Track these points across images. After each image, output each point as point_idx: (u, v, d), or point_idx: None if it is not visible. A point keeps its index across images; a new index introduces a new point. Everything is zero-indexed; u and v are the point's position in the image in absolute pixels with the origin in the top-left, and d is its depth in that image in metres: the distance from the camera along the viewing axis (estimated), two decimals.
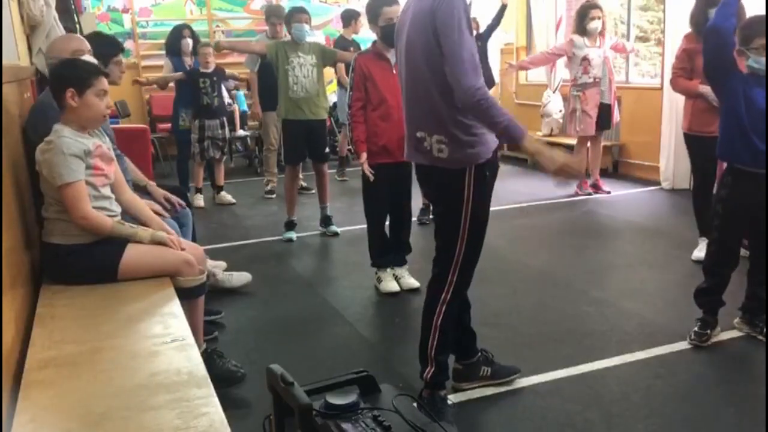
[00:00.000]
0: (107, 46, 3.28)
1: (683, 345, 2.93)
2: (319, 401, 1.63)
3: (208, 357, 2.59)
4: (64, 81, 2.36)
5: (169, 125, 6.45)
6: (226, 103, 6.34)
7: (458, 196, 2.27)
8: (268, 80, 5.37)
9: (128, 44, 7.95)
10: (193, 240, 3.18)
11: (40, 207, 2.46)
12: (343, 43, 6.29)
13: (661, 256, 4.23)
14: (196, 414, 1.48)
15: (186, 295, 2.42)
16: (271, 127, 6.17)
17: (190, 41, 5.96)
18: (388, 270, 3.79)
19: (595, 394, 2.57)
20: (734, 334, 3.03)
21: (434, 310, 2.40)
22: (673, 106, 5.74)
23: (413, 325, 2.87)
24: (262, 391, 1.77)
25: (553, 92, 7.45)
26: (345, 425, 1.58)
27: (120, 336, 1.99)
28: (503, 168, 2.36)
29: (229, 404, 1.96)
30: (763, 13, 2.75)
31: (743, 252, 3.06)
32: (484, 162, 2.27)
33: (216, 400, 1.54)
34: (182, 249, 2.49)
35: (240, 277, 3.84)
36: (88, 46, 2.95)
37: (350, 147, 5.30)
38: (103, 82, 2.43)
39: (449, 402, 2.47)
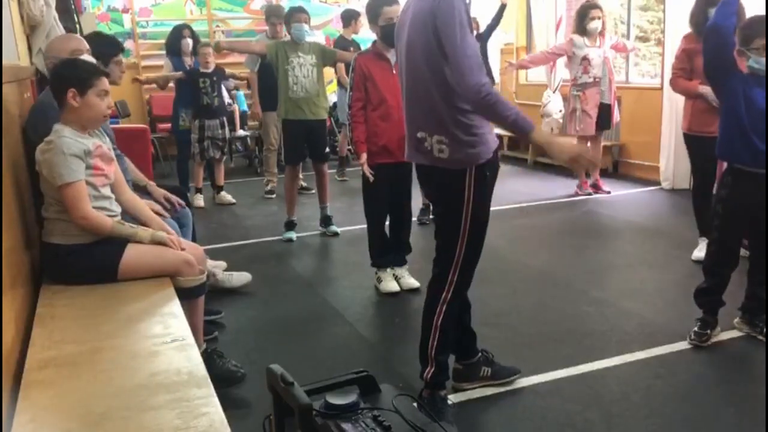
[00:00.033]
0: (107, 46, 3.28)
1: (683, 345, 2.93)
2: (319, 401, 1.63)
3: (208, 357, 2.59)
4: (65, 81, 2.36)
5: (169, 125, 6.45)
6: (226, 103, 6.34)
7: (459, 196, 2.27)
8: (268, 80, 5.37)
9: (128, 44, 7.95)
10: (193, 240, 3.18)
11: (40, 207, 2.46)
12: (343, 43, 6.29)
13: (661, 256, 4.23)
14: (196, 414, 1.48)
15: (186, 295, 2.42)
16: (271, 127, 6.17)
17: (190, 41, 5.96)
18: (388, 270, 3.79)
19: (595, 394, 2.57)
20: (734, 334, 3.03)
21: (434, 310, 2.40)
22: (673, 106, 5.74)
23: (413, 325, 2.87)
24: (262, 391, 1.77)
25: (553, 92, 7.44)
26: (345, 425, 1.58)
27: (120, 336, 1.99)
28: (503, 168, 2.36)
29: (229, 404, 1.95)
30: (763, 13, 2.75)
31: (743, 252, 3.06)
32: (484, 162, 2.27)
33: (216, 400, 1.54)
34: (182, 249, 2.49)
35: (240, 277, 3.84)
36: (86, 45, 2.95)
37: (350, 147, 5.30)
38: (105, 83, 2.43)
39: (449, 402, 2.47)
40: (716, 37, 2.76)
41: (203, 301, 2.62)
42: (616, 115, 6.00)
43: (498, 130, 2.67)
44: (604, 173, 6.50)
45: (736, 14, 2.78)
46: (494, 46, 7.43)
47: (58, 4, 3.75)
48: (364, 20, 5.05)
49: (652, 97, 6.23)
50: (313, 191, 5.45)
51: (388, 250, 3.80)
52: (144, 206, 2.69)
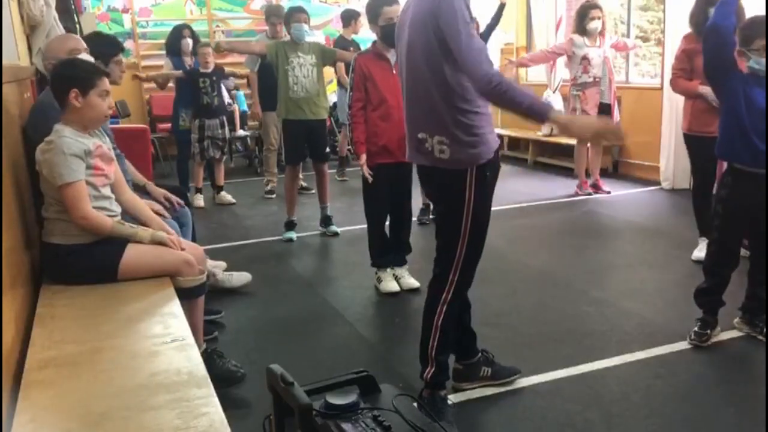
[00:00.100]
0: (107, 46, 3.28)
1: (683, 345, 2.93)
2: (319, 401, 1.63)
3: (208, 357, 2.59)
4: (67, 81, 2.36)
5: (169, 125, 6.45)
6: (226, 103, 6.34)
7: (459, 196, 2.27)
8: (268, 80, 5.37)
9: (128, 44, 7.94)
10: (193, 240, 3.18)
11: (40, 207, 2.46)
12: (342, 43, 6.29)
13: (661, 256, 4.23)
14: (196, 414, 1.48)
15: (186, 295, 2.42)
16: (271, 127, 6.17)
17: (190, 41, 5.96)
18: (388, 270, 3.79)
19: (595, 394, 2.56)
20: (734, 334, 3.03)
21: (435, 310, 2.39)
22: (673, 106, 5.74)
23: (413, 325, 2.87)
24: (262, 391, 1.77)
25: (553, 92, 7.44)
26: (345, 425, 1.58)
27: (120, 336, 1.99)
28: (503, 168, 2.36)
29: (229, 404, 1.95)
30: (763, 13, 2.75)
31: (743, 252, 3.06)
32: (485, 162, 2.26)
33: (216, 400, 1.54)
34: (182, 249, 2.50)
35: (240, 277, 3.84)
36: (84, 44, 2.95)
37: (350, 147, 5.30)
38: (106, 83, 2.44)
39: (449, 402, 2.47)
40: (716, 37, 2.76)
41: (203, 301, 2.62)
42: (616, 115, 5.99)
43: (499, 130, 2.67)
44: (604, 173, 6.50)
45: (735, 14, 2.78)
46: (494, 46, 7.42)
47: (58, 4, 3.75)
48: (364, 20, 5.05)
49: (652, 97, 6.23)
50: (313, 191, 5.45)
51: (388, 250, 3.80)
52: (144, 206, 2.69)
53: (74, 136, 2.33)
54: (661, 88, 6.02)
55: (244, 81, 7.05)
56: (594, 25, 5.54)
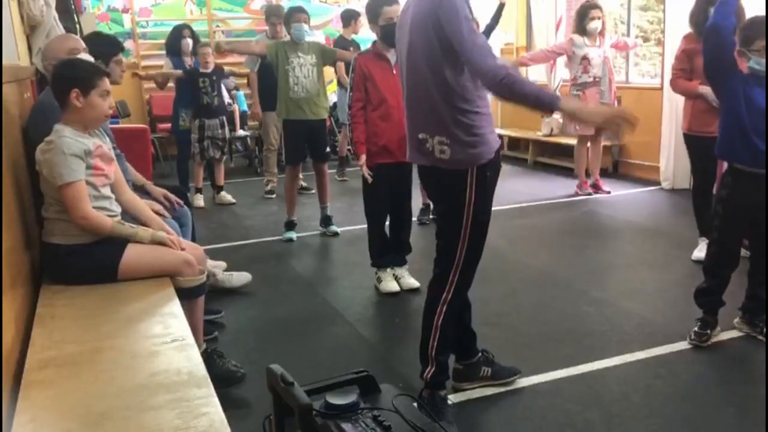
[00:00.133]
0: (107, 46, 3.28)
1: (683, 345, 2.93)
2: (319, 401, 1.63)
3: (208, 357, 2.59)
4: (68, 82, 2.35)
5: (169, 125, 6.45)
6: (226, 103, 6.34)
7: (460, 197, 2.27)
8: (268, 80, 5.36)
9: (128, 44, 7.94)
10: (193, 240, 3.18)
11: (40, 207, 2.46)
12: (342, 43, 6.29)
13: (661, 256, 4.23)
14: (196, 414, 1.48)
15: (186, 295, 2.42)
16: (271, 127, 6.17)
17: (190, 41, 5.96)
18: (388, 270, 3.79)
19: (595, 394, 2.57)
20: (734, 334, 3.03)
21: (435, 310, 2.39)
22: (673, 106, 5.74)
23: (413, 325, 2.87)
24: (262, 391, 1.77)
25: (553, 92, 7.45)
26: (345, 425, 1.58)
27: (120, 336, 1.99)
28: (503, 168, 2.36)
29: (229, 404, 1.96)
30: (763, 13, 2.75)
31: (744, 252, 3.06)
32: (486, 162, 2.26)
33: (216, 400, 1.54)
34: (182, 249, 2.50)
35: (240, 277, 3.84)
36: (83, 44, 2.95)
37: (350, 147, 5.30)
38: (107, 83, 2.44)
39: (449, 402, 2.47)
40: (715, 37, 2.76)
41: (203, 301, 2.62)
42: None
43: (499, 130, 2.67)
44: (604, 173, 6.50)
45: (734, 13, 2.78)
46: (494, 46, 7.42)
47: (58, 4, 3.76)
48: (364, 20, 5.05)
49: (652, 97, 6.23)
50: (313, 191, 5.45)
51: (388, 250, 3.80)
52: (144, 206, 2.69)
53: (74, 136, 2.33)
54: (661, 88, 6.02)
55: (245, 80, 7.04)
56: (594, 25, 5.54)
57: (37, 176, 2.39)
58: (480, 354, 2.63)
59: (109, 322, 2.08)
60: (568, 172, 6.72)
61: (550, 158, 7.48)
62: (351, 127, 3.68)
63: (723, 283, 2.94)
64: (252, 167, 7.90)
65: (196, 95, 5.74)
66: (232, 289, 3.79)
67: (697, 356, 2.86)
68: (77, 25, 4.59)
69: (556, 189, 6.23)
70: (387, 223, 3.84)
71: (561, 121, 7.31)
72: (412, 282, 3.76)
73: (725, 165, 2.99)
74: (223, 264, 3.97)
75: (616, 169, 6.88)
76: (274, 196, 6.24)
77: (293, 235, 4.84)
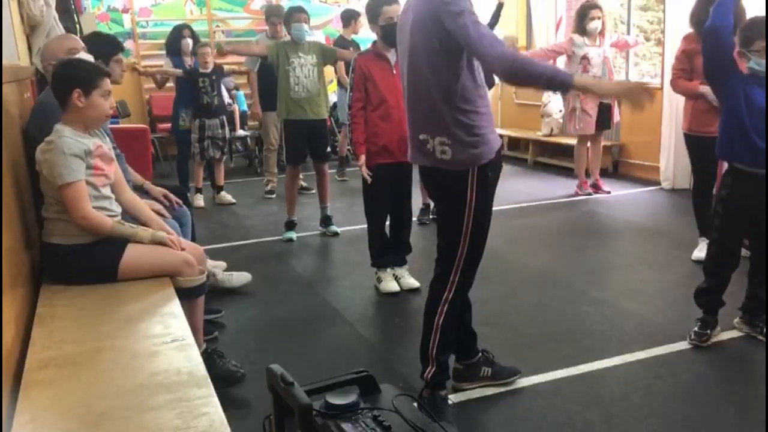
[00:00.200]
0: (107, 46, 3.27)
1: (683, 345, 2.93)
2: (319, 401, 1.63)
3: (208, 357, 2.59)
4: (70, 82, 2.35)
5: (169, 125, 6.44)
6: (225, 103, 6.34)
7: (461, 197, 2.27)
8: (268, 80, 5.37)
9: (128, 44, 7.94)
10: (193, 240, 3.18)
11: (40, 207, 2.46)
12: (342, 43, 6.28)
13: (661, 256, 4.23)
14: (196, 414, 1.48)
15: (186, 295, 2.42)
16: (271, 127, 6.17)
17: (190, 41, 5.96)
18: (388, 270, 3.79)
19: (595, 394, 2.57)
20: (734, 334, 3.03)
21: (436, 310, 2.40)
22: (673, 106, 5.74)
23: (413, 325, 2.87)
24: (262, 391, 1.77)
25: (553, 92, 7.44)
26: (345, 425, 1.58)
27: (120, 336, 1.99)
28: (503, 168, 2.36)
29: (229, 404, 1.95)
30: (763, 13, 2.75)
31: (744, 252, 3.06)
32: (487, 162, 2.26)
33: (216, 400, 1.54)
34: (182, 249, 2.50)
35: (240, 277, 3.84)
36: (81, 43, 2.95)
37: (350, 147, 5.30)
38: (108, 83, 2.44)
39: (449, 402, 2.47)
40: (714, 38, 2.76)
41: (203, 301, 2.62)
42: (616, 115, 5.99)
43: (499, 130, 2.66)
44: (604, 173, 6.50)
45: (732, 13, 2.77)
46: None
47: (58, 4, 3.76)
48: (364, 20, 5.05)
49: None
50: (313, 191, 5.45)
51: (388, 250, 3.80)
52: (144, 206, 2.69)
53: (74, 136, 2.33)
54: (661, 88, 6.01)
55: (245, 79, 7.03)
56: (594, 25, 5.54)
57: (37, 176, 2.39)
58: (480, 354, 2.63)
59: (109, 322, 2.08)
60: (568, 172, 6.72)
61: (550, 158, 7.48)
62: (351, 128, 3.68)
63: (723, 283, 2.94)
64: (252, 167, 7.90)
65: (196, 95, 5.74)
66: (232, 289, 3.79)
67: (697, 356, 2.86)
68: (77, 25, 4.60)
69: (556, 189, 6.23)
70: (387, 223, 3.84)
71: (561, 121, 7.31)
72: (412, 282, 3.76)
73: (725, 165, 2.99)
74: (223, 264, 3.97)
75: (616, 169, 6.88)
76: (274, 196, 6.24)
77: (293, 235, 4.84)
